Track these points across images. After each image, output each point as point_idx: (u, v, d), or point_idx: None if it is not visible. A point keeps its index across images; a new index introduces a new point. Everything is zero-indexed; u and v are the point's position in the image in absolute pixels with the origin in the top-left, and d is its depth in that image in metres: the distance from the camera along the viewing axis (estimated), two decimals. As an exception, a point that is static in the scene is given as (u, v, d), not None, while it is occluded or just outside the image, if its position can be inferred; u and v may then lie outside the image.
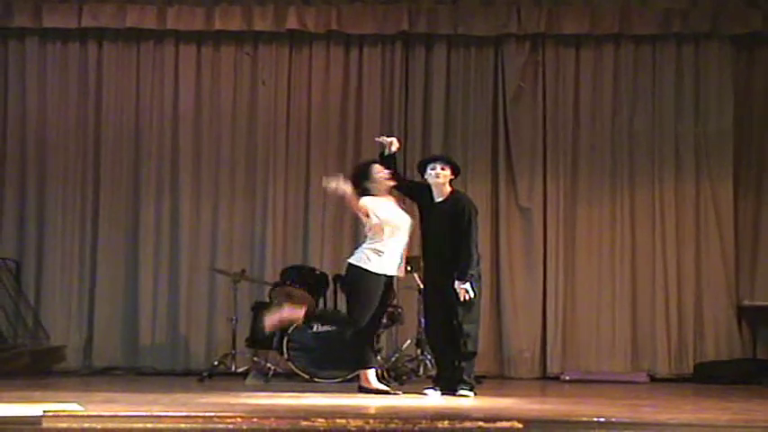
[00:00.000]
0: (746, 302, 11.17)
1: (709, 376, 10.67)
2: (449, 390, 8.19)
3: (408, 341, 10.23)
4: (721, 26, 11.18)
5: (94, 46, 11.33)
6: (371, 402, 7.61)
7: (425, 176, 8.36)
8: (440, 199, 8.33)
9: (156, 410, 6.42)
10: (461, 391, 8.14)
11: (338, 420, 5.97)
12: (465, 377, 8.22)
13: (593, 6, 11.24)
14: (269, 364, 9.79)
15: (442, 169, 8.30)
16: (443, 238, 8.22)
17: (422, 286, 8.38)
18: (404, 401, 7.73)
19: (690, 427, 6.16)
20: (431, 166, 8.35)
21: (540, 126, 11.34)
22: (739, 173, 11.31)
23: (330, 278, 10.17)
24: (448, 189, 8.35)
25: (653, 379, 10.88)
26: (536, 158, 11.30)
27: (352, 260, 8.27)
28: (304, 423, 5.96)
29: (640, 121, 11.33)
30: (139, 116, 11.32)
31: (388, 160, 8.42)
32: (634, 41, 11.35)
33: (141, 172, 11.27)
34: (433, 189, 8.34)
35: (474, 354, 8.28)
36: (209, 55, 11.38)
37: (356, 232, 11.17)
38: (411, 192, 8.59)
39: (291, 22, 11.11)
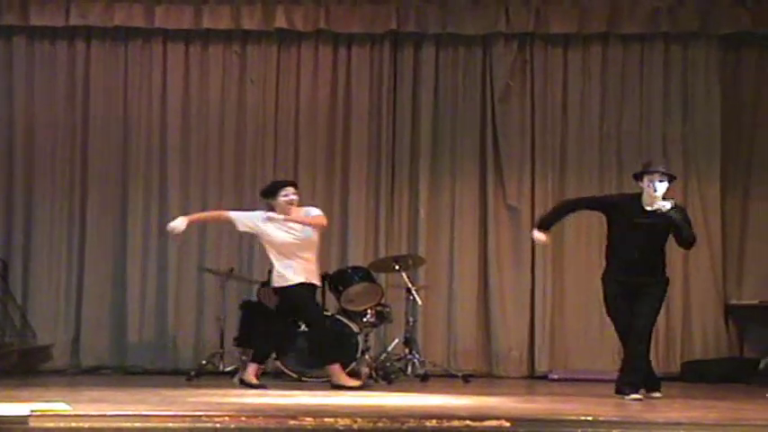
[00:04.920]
0: (734, 301, 11.20)
1: (696, 375, 10.69)
2: (650, 388, 8.34)
3: (396, 340, 10.23)
4: (709, 25, 11.19)
5: (82, 44, 11.27)
6: (359, 401, 7.62)
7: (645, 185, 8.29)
8: (654, 207, 8.21)
9: (144, 409, 6.42)
10: (655, 393, 8.37)
11: (326, 419, 5.99)
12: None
13: (582, 6, 11.24)
14: (257, 363, 9.78)
15: (660, 182, 8.22)
16: (653, 245, 8.26)
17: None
18: (392, 400, 7.74)
19: (677, 426, 6.18)
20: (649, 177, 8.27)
21: (529, 125, 11.34)
22: (727, 172, 11.31)
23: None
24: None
25: (641, 378, 10.88)
26: (524, 157, 11.30)
27: None
28: (292, 422, 5.97)
29: (628, 121, 11.33)
30: (127, 115, 11.27)
31: None
32: (622, 41, 11.35)
33: (129, 171, 11.23)
34: (646, 198, 8.25)
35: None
36: (198, 54, 11.34)
37: (345, 229, 11.20)
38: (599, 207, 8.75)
39: (280, 21, 11.09)
